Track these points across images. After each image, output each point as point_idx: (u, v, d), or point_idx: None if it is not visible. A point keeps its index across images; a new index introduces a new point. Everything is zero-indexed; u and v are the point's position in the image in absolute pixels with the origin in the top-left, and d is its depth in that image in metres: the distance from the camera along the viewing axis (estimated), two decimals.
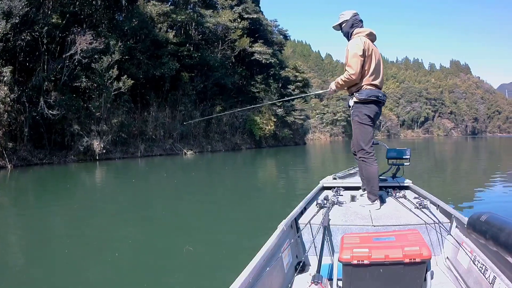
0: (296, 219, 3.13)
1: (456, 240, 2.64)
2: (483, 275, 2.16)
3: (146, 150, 28.13)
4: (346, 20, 3.71)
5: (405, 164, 4.60)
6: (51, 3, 20.15)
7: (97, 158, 23.03)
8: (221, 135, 37.08)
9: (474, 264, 2.29)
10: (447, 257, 2.77)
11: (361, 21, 3.71)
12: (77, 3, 22.01)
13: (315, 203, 3.59)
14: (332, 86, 3.79)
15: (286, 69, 48.77)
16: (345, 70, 3.52)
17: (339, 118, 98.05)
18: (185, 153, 30.27)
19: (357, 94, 3.55)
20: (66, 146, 22.34)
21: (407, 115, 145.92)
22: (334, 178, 4.75)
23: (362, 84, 3.53)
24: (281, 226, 2.72)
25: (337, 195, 3.93)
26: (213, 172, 17.45)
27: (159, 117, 30.38)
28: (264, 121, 40.91)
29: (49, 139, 21.52)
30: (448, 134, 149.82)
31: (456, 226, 2.86)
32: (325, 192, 4.35)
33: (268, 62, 41.32)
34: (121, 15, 27.75)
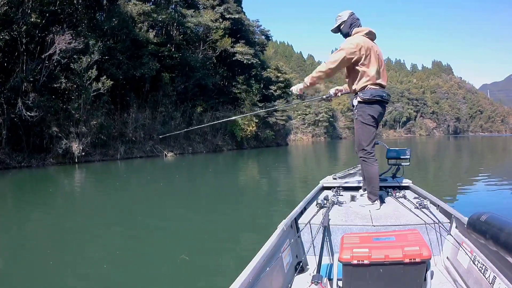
0: (296, 219, 3.18)
1: (456, 240, 2.68)
2: (483, 275, 2.20)
3: (126, 152, 28.24)
4: (344, 21, 3.72)
5: (405, 164, 4.66)
6: (30, 2, 20.18)
7: (76, 161, 23.09)
8: (202, 137, 37.26)
9: (474, 264, 2.33)
10: (447, 257, 2.81)
11: (358, 19, 3.74)
12: (58, 2, 22.03)
13: (315, 203, 3.66)
14: (300, 86, 3.84)
15: (268, 69, 49.29)
16: (325, 61, 3.57)
17: (321, 119, 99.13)
18: (166, 155, 30.45)
19: (361, 94, 3.57)
20: (44, 149, 22.36)
21: (389, 115, 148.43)
22: (334, 178, 4.82)
23: (366, 84, 3.55)
24: (281, 226, 2.76)
25: (337, 195, 4.01)
26: (197, 175, 17.63)
27: (139, 118, 30.49)
28: (246, 122, 41.39)
29: (28, 141, 21.55)
30: (430, 134, 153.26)
31: (456, 226, 2.89)
32: (325, 192, 4.43)
33: (249, 62, 41.79)
34: (103, 14, 27.75)
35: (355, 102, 3.65)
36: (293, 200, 9.28)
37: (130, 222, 7.21)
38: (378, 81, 3.56)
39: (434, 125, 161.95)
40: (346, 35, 3.73)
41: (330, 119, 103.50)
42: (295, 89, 3.89)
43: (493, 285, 2.06)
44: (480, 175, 13.26)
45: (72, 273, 4.44)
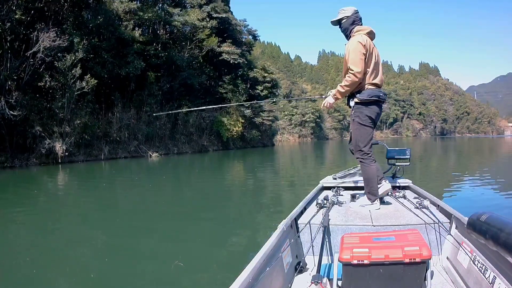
0: (296, 219, 3.22)
1: (456, 240, 2.70)
2: (483, 275, 2.21)
3: (110, 153, 28.34)
4: (347, 16, 3.69)
5: (405, 164, 4.71)
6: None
7: (60, 161, 23.14)
8: (188, 137, 37.40)
9: (474, 264, 2.35)
10: (447, 257, 2.84)
11: (360, 18, 3.72)
12: (43, 0, 22.04)
13: (315, 203, 3.70)
14: (330, 100, 3.80)
15: (255, 69, 49.44)
16: (349, 70, 3.49)
17: (307, 120, 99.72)
18: (151, 156, 30.53)
19: (358, 95, 3.58)
20: (28, 149, 22.38)
21: None
22: (334, 178, 4.87)
23: (364, 84, 3.57)
24: (281, 226, 2.79)
25: (337, 195, 4.04)
26: (183, 176, 17.81)
27: (123, 118, 30.57)
28: (232, 122, 41.62)
29: (11, 141, 21.59)
30: (417, 135, 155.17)
31: (456, 226, 2.92)
32: (325, 192, 4.49)
33: (236, 62, 41.95)
34: (89, 13, 27.70)
35: (352, 103, 3.67)
36: (282, 200, 9.65)
37: (119, 226, 7.02)
38: (374, 81, 3.61)
39: (421, 126, 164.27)
40: (345, 30, 3.75)
41: (317, 119, 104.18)
42: (326, 103, 3.89)
43: (493, 285, 2.09)
44: (478, 175, 13.49)
45: (57, 283, 4.27)
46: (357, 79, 3.47)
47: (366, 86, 3.58)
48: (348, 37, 3.73)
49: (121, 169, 21.56)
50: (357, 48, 3.48)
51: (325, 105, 3.90)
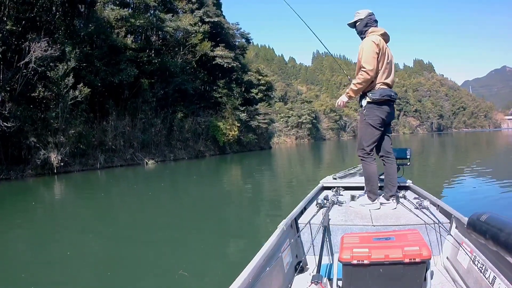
0: (296, 219, 3.26)
1: (456, 240, 2.73)
2: (483, 275, 2.23)
3: (106, 161, 28.18)
4: (361, 19, 3.84)
5: (405, 164, 4.73)
6: (7, 10, 20.14)
7: (55, 171, 22.95)
8: (184, 143, 37.31)
9: (474, 264, 2.37)
10: (447, 257, 2.86)
11: (375, 21, 3.84)
12: (35, 9, 22.00)
13: (315, 203, 3.76)
14: (344, 98, 3.89)
15: (249, 72, 49.48)
16: (361, 67, 3.60)
17: (304, 121, 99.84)
18: (147, 163, 30.43)
19: (370, 94, 3.66)
20: (23, 160, 22.29)
21: None
22: (334, 178, 4.93)
23: (375, 83, 3.67)
24: (281, 226, 2.82)
25: (337, 195, 4.11)
26: (181, 183, 17.81)
27: (118, 126, 30.43)
28: (228, 127, 41.53)
29: (6, 153, 21.52)
30: (414, 132, 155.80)
31: (456, 226, 2.94)
32: (325, 192, 4.55)
33: (230, 66, 41.92)
34: (81, 21, 27.68)
35: (364, 103, 3.75)
36: (282, 201, 9.69)
37: (120, 236, 6.96)
38: (385, 81, 3.71)
39: (417, 123, 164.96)
40: (360, 33, 3.90)
41: (313, 120, 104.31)
42: (340, 102, 3.96)
43: (493, 285, 2.10)
44: (477, 173, 13.51)
45: None
46: (369, 77, 3.59)
47: (378, 86, 3.68)
48: (362, 38, 3.85)
49: (118, 178, 21.51)
50: (370, 47, 3.61)
51: (339, 103, 4.00)
